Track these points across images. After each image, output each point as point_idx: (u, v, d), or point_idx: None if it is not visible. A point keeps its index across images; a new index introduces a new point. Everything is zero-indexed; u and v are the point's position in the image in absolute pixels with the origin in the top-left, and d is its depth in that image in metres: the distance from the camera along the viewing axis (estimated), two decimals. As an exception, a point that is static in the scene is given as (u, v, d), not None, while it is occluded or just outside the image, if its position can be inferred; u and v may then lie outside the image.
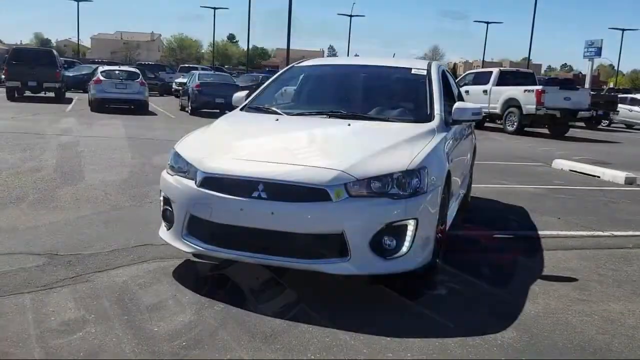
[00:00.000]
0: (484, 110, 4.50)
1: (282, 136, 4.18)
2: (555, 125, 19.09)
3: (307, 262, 3.48)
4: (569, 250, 5.19)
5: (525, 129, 19.04)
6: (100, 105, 18.97)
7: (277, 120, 4.48)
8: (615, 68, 72.30)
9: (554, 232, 5.80)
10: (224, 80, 20.45)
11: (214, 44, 64.50)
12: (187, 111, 20.56)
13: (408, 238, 3.54)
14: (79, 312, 3.29)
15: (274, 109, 4.79)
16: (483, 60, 53.58)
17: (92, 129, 13.55)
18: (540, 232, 5.74)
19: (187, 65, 42.00)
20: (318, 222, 3.44)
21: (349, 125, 4.27)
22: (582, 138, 18.97)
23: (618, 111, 24.84)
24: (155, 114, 19.70)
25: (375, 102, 4.83)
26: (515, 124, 18.66)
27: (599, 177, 9.98)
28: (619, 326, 3.50)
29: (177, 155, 3.99)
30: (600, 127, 24.78)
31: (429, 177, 3.65)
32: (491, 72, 20.09)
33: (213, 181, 3.61)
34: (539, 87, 18.48)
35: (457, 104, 4.73)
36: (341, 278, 3.63)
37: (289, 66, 5.53)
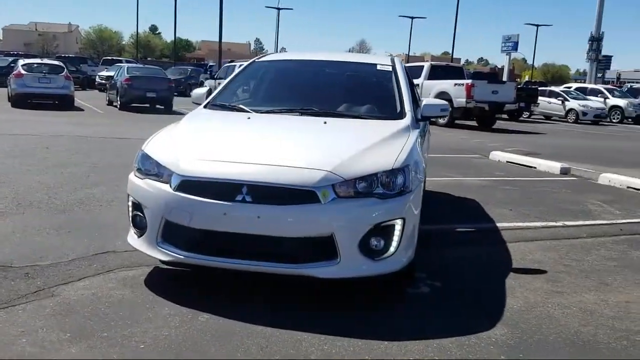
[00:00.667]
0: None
1: (259, 135, 4.01)
2: (483, 117, 19.76)
3: (296, 268, 3.36)
4: (529, 242, 5.33)
5: (456, 121, 19.57)
6: (22, 101, 17.85)
7: (249, 118, 4.30)
8: (528, 62, 75.84)
9: (511, 224, 5.94)
10: (155, 73, 19.73)
11: (137, 35, 62.36)
12: (115, 106, 19.73)
13: (395, 238, 3.49)
14: (53, 331, 3.02)
15: (240, 106, 4.60)
16: (408, 55, 54.65)
17: (17, 127, 12.70)
18: (498, 225, 5.87)
19: (110, 58, 40.44)
20: (307, 225, 3.32)
21: (325, 123, 4.16)
22: (508, 130, 19.73)
23: (538, 103, 26.03)
24: (82, 110, 18.75)
25: (345, 98, 4.74)
26: (447, 117, 19.11)
27: (535, 167, 10.37)
28: (599, 317, 3.60)
29: (146, 157, 3.75)
30: (521, 118, 25.89)
31: (412, 175, 3.61)
32: (422, 67, 20.49)
33: (191, 184, 3.41)
34: (469, 81, 19.04)
35: (426, 101, 4.73)
36: (326, 282, 3.53)
37: (250, 61, 5.35)
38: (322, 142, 3.89)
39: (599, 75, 44.88)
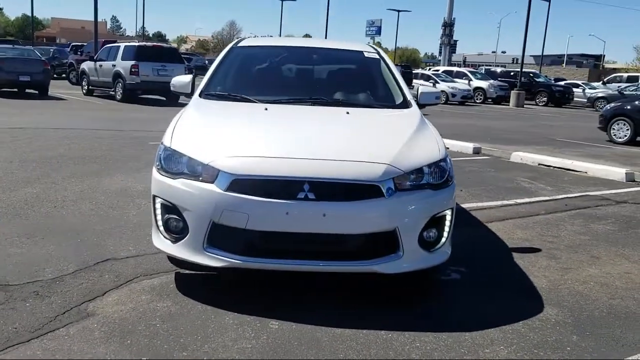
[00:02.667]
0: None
1: (292, 127, 3.78)
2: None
3: (362, 265, 3.25)
4: (502, 221, 5.62)
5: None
6: None
7: (266, 109, 4.04)
8: (384, 46, 79.23)
9: (473, 205, 6.21)
10: (27, 54, 17.76)
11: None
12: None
13: (446, 228, 3.51)
14: (125, 356, 2.67)
15: (244, 96, 4.31)
16: (280, 34, 54.68)
17: None
18: (463, 206, 6.11)
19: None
20: (372, 221, 3.21)
21: (348, 113, 4.04)
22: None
23: (413, 86, 27.35)
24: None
25: (347, 87, 4.63)
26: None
27: (448, 148, 10.89)
28: (616, 289, 3.90)
29: (175, 154, 3.40)
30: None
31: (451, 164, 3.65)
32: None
33: (245, 184, 3.15)
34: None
35: (422, 89, 4.77)
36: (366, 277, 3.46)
37: (229, 48, 4.98)
38: (363, 134, 3.78)
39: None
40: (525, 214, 5.99)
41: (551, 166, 9.21)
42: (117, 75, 17.20)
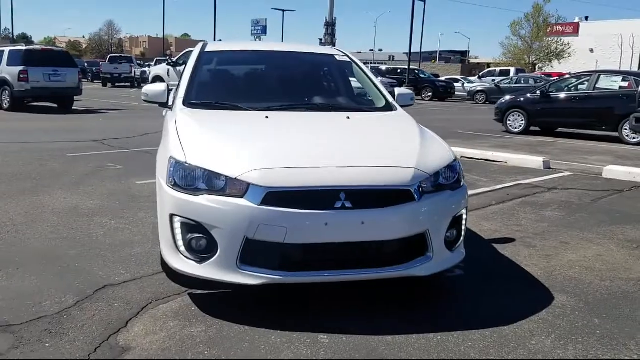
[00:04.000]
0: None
1: (306, 136, 3.68)
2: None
3: (398, 270, 3.24)
4: (482, 209, 5.93)
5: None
6: None
7: (267, 117, 3.90)
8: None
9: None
10: None
11: None
12: None
13: (463, 228, 3.61)
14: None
15: (233, 104, 4.14)
16: (164, 35, 52.80)
17: None
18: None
19: None
20: (406, 225, 3.22)
21: (348, 118, 4.01)
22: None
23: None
24: None
25: (331, 91, 4.61)
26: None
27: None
28: (599, 271, 4.19)
29: (194, 170, 3.19)
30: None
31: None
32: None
33: (280, 196, 3.03)
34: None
35: (399, 90, 4.84)
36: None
37: (198, 54, 4.70)
38: (376, 138, 3.79)
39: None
40: (479, 205, 6.27)
41: (474, 158, 9.72)
42: (3, 82, 15.77)
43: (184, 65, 6.15)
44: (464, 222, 3.60)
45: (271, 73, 4.84)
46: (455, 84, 35.61)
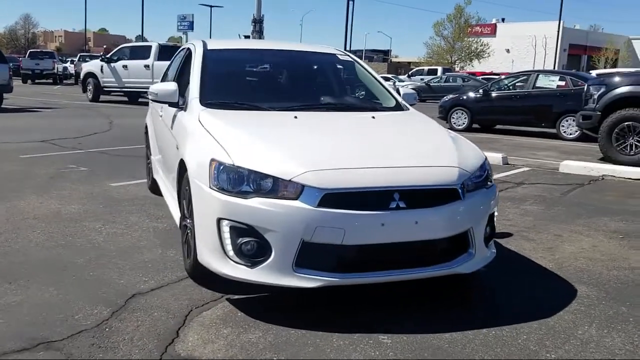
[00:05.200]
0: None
1: (344, 136, 3.66)
2: None
3: (446, 268, 3.28)
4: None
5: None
6: None
7: (296, 117, 3.82)
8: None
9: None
10: None
11: None
12: None
13: (495, 224, 3.70)
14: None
15: (253, 104, 4.03)
16: (85, 30, 50.51)
17: None
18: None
19: None
20: (455, 223, 3.26)
21: (374, 117, 4.01)
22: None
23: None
24: None
25: (344, 91, 4.58)
26: None
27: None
28: (602, 261, 4.39)
29: (242, 172, 3.08)
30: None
31: None
32: (151, 47, 19.54)
33: (336, 198, 2.99)
34: None
35: (404, 90, 4.88)
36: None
37: (202, 51, 4.51)
38: (413, 138, 3.82)
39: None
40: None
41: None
42: None
43: (170, 62, 5.93)
44: (495, 218, 3.69)
45: (281, 72, 4.76)
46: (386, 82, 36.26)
